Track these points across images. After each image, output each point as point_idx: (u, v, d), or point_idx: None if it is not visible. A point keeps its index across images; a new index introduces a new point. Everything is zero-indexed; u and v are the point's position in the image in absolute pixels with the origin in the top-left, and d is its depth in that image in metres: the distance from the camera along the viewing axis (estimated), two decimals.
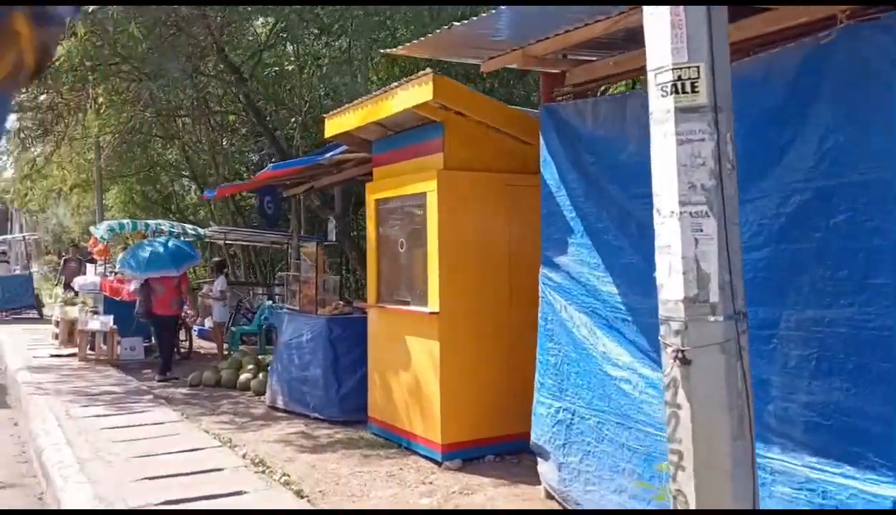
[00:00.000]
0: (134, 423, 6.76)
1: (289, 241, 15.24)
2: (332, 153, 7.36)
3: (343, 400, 7.20)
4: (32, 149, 13.01)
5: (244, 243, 16.74)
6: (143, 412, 7.33)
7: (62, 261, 19.01)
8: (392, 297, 6.59)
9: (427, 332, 5.93)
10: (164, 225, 12.30)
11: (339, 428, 7.03)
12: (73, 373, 9.76)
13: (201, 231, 12.59)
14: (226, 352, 11.57)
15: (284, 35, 15.37)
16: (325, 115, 7.06)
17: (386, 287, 6.72)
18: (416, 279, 6.29)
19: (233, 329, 11.90)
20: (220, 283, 11.16)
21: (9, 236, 28.01)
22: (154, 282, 9.82)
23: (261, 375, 9.04)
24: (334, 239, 8.10)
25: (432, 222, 5.87)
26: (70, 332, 12.49)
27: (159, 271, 9.79)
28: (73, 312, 12.57)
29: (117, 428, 6.59)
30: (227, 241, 15.51)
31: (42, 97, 11.98)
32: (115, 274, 12.31)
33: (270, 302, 12.42)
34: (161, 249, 9.98)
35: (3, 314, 17.29)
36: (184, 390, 9.07)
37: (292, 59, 17.53)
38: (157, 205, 23.55)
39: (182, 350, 11.66)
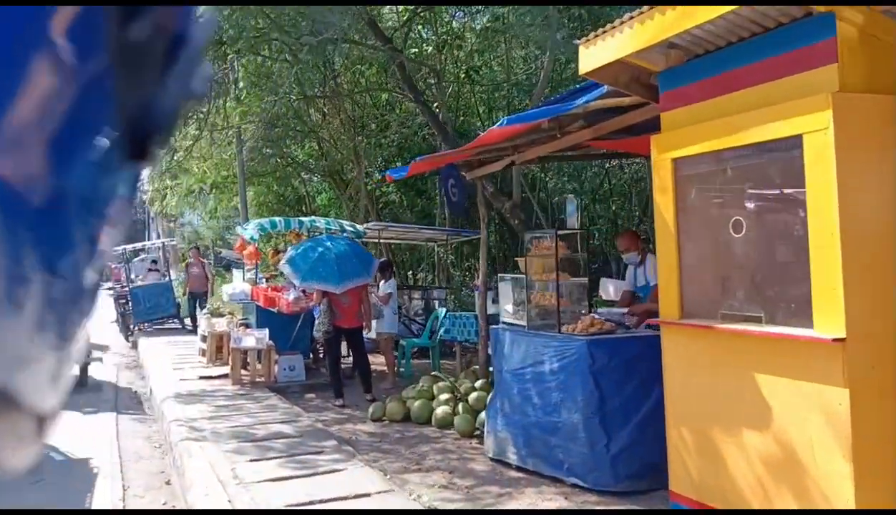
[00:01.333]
0: (329, 496, 4.74)
1: (448, 237, 13.23)
2: (584, 99, 5.08)
3: (616, 461, 4.91)
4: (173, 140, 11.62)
5: (396, 241, 14.91)
6: (332, 471, 5.33)
7: (185, 267, 17.22)
8: (715, 311, 4.22)
9: (816, 371, 3.51)
10: (320, 222, 10.49)
11: (616, 502, 4.76)
12: (230, 403, 8.05)
13: (360, 228, 10.70)
14: (397, 370, 9.62)
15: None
16: (578, 42, 4.78)
17: (700, 293, 4.36)
18: (778, 281, 3.89)
19: (402, 342, 9.94)
20: (388, 287, 9.19)
21: (147, 243, 27.80)
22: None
23: (460, 408, 6.95)
24: (576, 224, 5.81)
25: (821, 184, 3.45)
26: (218, 348, 10.98)
27: (356, 280, 7.92)
28: (221, 325, 11.05)
29: (309, 504, 4.60)
30: (382, 240, 13.65)
31: None
32: (268, 280, 10.65)
33: (443, 308, 10.39)
34: (343, 250, 8.10)
35: (146, 326, 16.29)
36: (367, 427, 7.11)
37: (432, 38, 15.59)
38: (289, 207, 22.27)
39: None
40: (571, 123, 6.44)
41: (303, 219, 10.44)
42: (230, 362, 9.56)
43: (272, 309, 9.52)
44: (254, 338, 9.13)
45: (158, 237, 34.59)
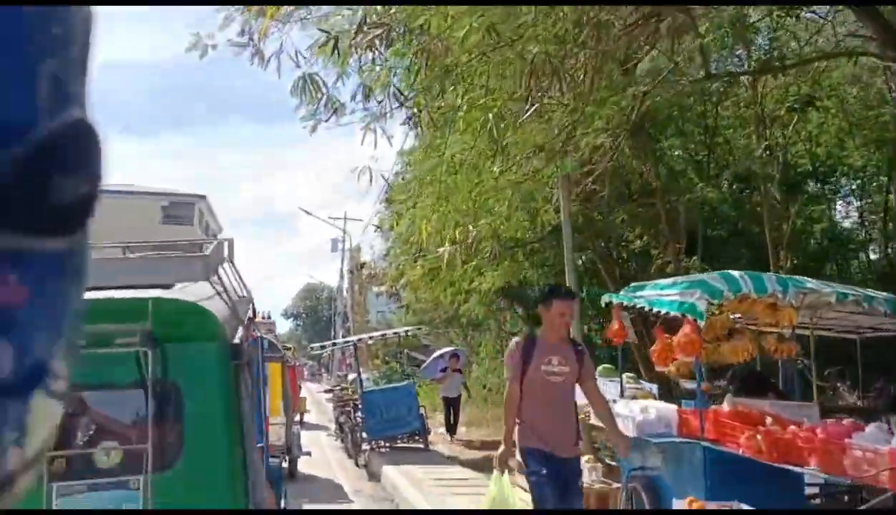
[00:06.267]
0: None
1: None
2: None
3: None
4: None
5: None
6: None
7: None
8: None
9: None
10: (810, 283, 5.29)
11: None
12: None
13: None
14: None
15: None
16: None
17: None
18: None
19: None
20: None
21: (349, 338, 23.94)
22: None
23: None
24: None
25: None
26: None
27: None
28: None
29: None
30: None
31: None
32: (711, 398, 5.49)
33: None
34: None
35: (383, 444, 11.58)
36: None
37: None
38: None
39: None
40: None
41: (784, 277, 5.34)
42: None
43: (795, 469, 4.28)
44: None
45: (349, 333, 30.62)
